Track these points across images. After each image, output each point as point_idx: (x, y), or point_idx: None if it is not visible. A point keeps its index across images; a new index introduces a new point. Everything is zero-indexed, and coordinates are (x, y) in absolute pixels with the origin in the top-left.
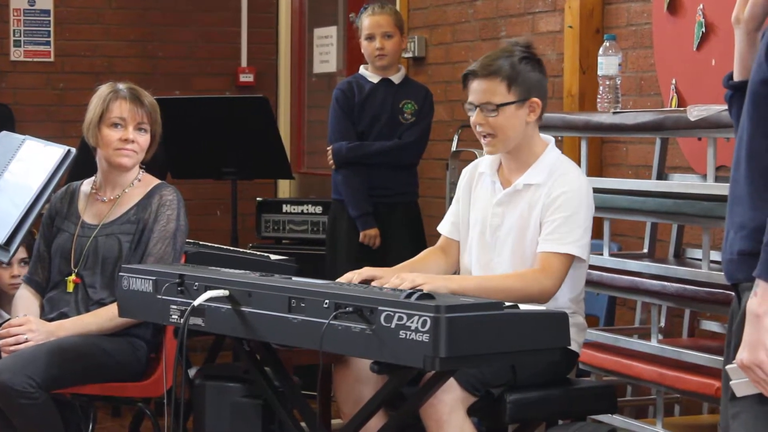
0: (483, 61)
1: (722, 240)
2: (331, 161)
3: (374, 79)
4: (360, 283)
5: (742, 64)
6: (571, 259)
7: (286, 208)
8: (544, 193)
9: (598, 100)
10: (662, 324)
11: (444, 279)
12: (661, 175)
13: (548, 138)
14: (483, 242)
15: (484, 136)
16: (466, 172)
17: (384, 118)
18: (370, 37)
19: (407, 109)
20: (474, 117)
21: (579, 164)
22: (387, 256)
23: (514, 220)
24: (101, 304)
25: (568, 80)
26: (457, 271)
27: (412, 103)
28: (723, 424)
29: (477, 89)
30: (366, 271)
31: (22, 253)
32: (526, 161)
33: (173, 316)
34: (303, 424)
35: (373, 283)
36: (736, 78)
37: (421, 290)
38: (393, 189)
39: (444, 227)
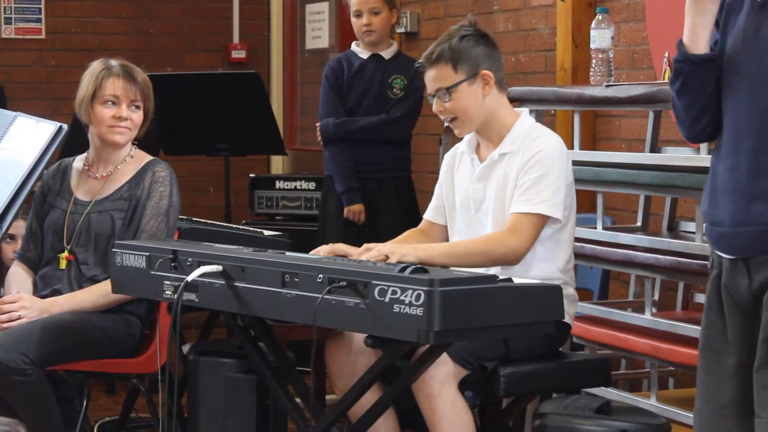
0: (426, 52)
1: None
2: (320, 138)
3: (364, 55)
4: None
5: (707, 36)
6: (541, 219)
7: (279, 184)
8: (518, 158)
9: (591, 73)
10: (656, 297)
11: (411, 247)
12: (655, 149)
13: (520, 109)
14: (469, 219)
15: (450, 121)
16: (447, 156)
17: (372, 94)
18: (358, 14)
19: (396, 84)
20: (434, 106)
21: (572, 138)
22: (376, 232)
23: (494, 190)
24: (94, 280)
25: (560, 54)
26: None
27: (402, 78)
28: (715, 406)
29: (428, 79)
30: (338, 247)
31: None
32: (499, 133)
33: (167, 292)
34: (297, 399)
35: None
36: (698, 51)
37: (415, 264)
38: (382, 164)
39: (427, 212)
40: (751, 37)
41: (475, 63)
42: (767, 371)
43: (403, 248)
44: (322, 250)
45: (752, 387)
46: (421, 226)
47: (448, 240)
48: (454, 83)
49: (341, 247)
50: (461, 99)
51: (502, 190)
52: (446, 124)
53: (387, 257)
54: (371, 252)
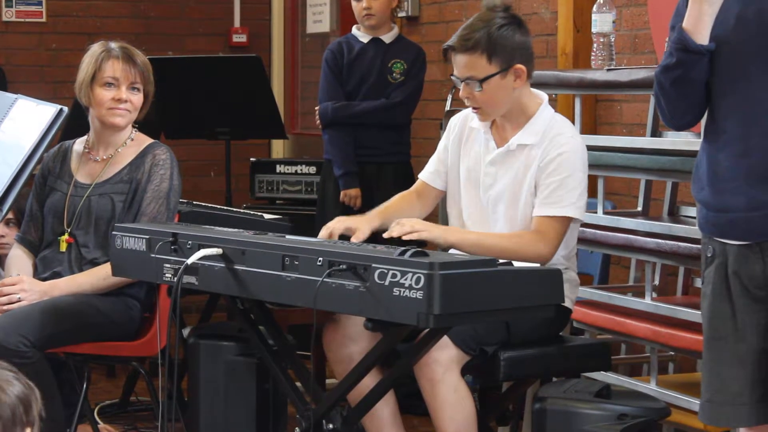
0: (461, 34)
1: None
2: (318, 122)
3: (364, 39)
4: (340, 236)
5: (710, 26)
6: (568, 222)
7: (279, 168)
8: (539, 155)
9: (592, 57)
10: (656, 282)
11: (443, 230)
12: (656, 133)
13: (542, 95)
14: (477, 201)
15: (473, 108)
16: (456, 121)
17: (372, 78)
18: None
19: (396, 69)
20: (461, 91)
21: (573, 122)
22: None
23: (508, 181)
24: (94, 263)
25: (562, 39)
26: (429, 219)
27: (402, 62)
28: (728, 395)
29: (459, 64)
30: (341, 223)
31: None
32: (520, 120)
33: (167, 275)
34: (298, 383)
35: (352, 227)
36: (701, 41)
37: (415, 247)
38: (381, 149)
39: (424, 174)
40: (754, 19)
41: (510, 56)
42: None
43: (435, 228)
44: (328, 233)
45: (766, 371)
46: (416, 186)
47: (440, 204)
48: (486, 75)
49: (344, 223)
50: (491, 91)
51: (519, 183)
52: (447, 108)
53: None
54: (403, 228)
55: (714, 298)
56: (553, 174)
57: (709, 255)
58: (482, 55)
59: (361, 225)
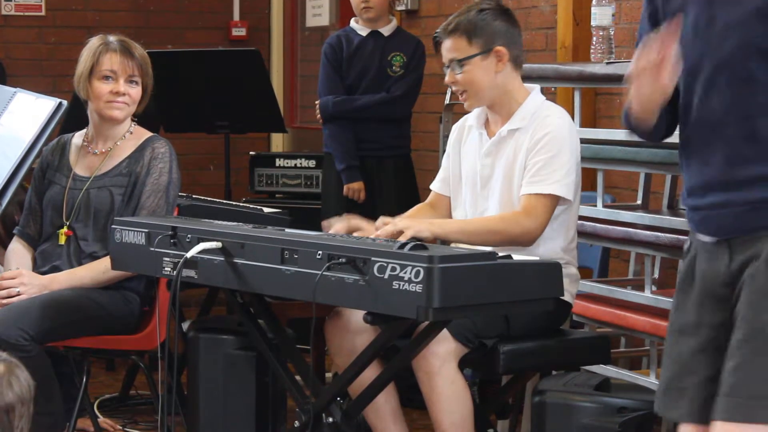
0: (444, 23)
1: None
2: (319, 116)
3: (363, 32)
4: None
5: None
6: (554, 200)
7: (279, 162)
8: (527, 137)
9: (592, 50)
10: (656, 275)
11: (427, 223)
12: None
13: (532, 86)
14: (476, 194)
15: (460, 94)
16: (455, 128)
17: (372, 72)
18: None
19: (396, 62)
20: (447, 77)
21: (573, 116)
22: (375, 210)
23: (502, 167)
24: (93, 256)
25: (561, 32)
26: None
27: (401, 55)
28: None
29: (443, 49)
30: (353, 222)
31: None
32: (510, 110)
33: (166, 269)
34: (297, 377)
35: (355, 234)
36: (653, 121)
37: (414, 241)
38: (382, 143)
39: (435, 184)
40: (704, 27)
41: (491, 38)
42: (747, 348)
43: (419, 224)
44: (337, 225)
45: (717, 369)
46: (430, 198)
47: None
48: (466, 56)
49: (356, 222)
50: (473, 73)
51: (510, 167)
52: (447, 102)
53: (401, 232)
54: (387, 228)
55: (679, 291)
56: (540, 153)
57: (686, 248)
58: (462, 37)
59: (368, 227)
